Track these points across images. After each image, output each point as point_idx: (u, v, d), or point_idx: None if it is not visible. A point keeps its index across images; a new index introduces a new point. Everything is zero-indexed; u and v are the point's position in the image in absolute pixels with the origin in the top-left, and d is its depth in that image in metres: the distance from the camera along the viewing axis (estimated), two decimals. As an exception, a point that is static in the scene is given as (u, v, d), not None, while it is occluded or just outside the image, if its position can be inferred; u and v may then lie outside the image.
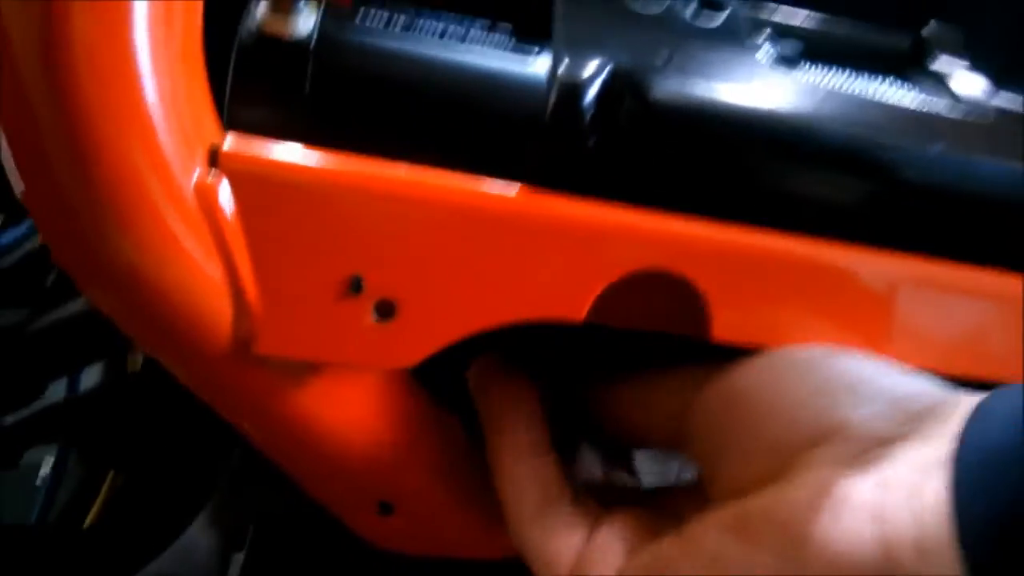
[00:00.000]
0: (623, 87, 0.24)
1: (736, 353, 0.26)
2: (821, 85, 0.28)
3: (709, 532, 0.23)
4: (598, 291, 0.25)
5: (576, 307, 0.25)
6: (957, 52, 0.33)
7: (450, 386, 0.30)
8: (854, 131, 0.27)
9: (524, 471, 0.27)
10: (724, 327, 0.26)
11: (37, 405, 0.39)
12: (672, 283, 0.26)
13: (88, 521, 0.43)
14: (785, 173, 0.26)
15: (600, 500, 0.28)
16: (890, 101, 0.29)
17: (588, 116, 0.25)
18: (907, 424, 0.22)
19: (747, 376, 0.26)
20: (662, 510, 0.27)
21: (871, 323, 0.27)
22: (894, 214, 0.27)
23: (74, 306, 0.35)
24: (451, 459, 0.30)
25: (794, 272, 0.26)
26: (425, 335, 0.25)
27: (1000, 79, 0.34)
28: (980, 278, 0.28)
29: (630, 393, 0.29)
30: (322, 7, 0.25)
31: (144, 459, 0.38)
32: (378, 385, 0.27)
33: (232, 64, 0.24)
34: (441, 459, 0.29)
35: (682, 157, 0.25)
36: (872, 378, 0.24)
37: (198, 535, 0.35)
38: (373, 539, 0.31)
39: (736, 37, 0.27)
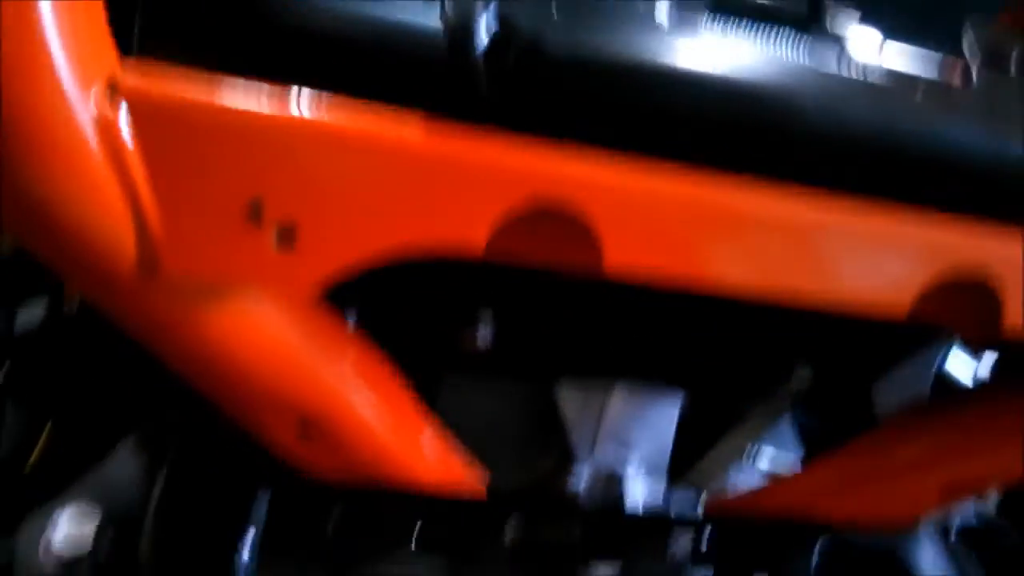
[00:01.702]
0: (511, 31, 0.26)
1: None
2: (714, 37, 0.30)
3: None
4: (491, 218, 0.27)
5: (473, 235, 0.27)
6: (850, 5, 0.35)
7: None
8: (741, 77, 0.28)
9: None
10: (615, 259, 0.28)
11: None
12: (565, 220, 0.27)
13: (30, 464, 0.44)
14: (670, 112, 0.28)
15: None
16: (784, 53, 0.31)
17: (479, 55, 0.26)
18: None
19: None
20: None
21: (761, 253, 0.29)
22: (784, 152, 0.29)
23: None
24: (368, 379, 0.31)
25: (683, 204, 0.28)
26: (325, 260, 0.26)
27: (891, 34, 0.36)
28: (874, 214, 0.30)
29: None
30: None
31: (79, 398, 0.39)
32: (287, 306, 0.29)
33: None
34: (356, 378, 0.31)
35: (568, 97, 0.27)
36: None
37: (120, 463, 0.36)
38: (294, 464, 0.32)
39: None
